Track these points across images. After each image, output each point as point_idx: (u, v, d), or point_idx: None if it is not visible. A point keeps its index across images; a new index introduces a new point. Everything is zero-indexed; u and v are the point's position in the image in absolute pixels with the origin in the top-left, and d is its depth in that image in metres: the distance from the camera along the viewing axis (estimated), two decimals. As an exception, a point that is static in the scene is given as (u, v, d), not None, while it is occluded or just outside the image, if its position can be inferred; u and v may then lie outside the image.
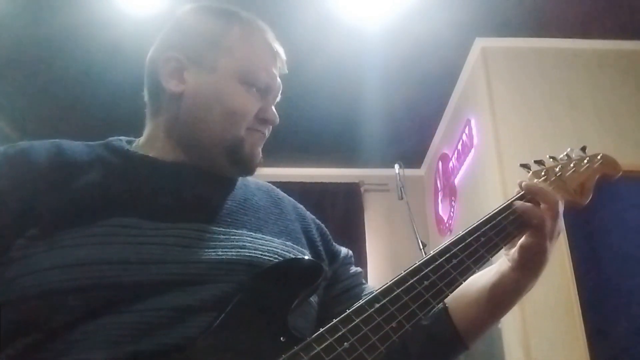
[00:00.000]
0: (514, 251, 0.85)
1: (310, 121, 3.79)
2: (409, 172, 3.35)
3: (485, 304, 0.86)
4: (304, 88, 3.43)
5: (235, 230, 0.78)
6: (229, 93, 0.82)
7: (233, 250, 0.74)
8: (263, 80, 0.85)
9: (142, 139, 0.88)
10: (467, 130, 3.38)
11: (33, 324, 0.63)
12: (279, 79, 0.89)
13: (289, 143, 3.99)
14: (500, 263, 0.88)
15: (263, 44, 0.88)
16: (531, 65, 3.15)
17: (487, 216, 0.86)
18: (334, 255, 0.94)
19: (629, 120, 3.01)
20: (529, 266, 0.85)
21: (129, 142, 0.86)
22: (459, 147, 3.53)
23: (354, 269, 0.96)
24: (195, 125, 0.83)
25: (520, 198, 0.88)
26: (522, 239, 0.85)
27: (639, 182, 2.76)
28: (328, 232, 0.98)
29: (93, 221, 0.69)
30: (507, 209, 0.86)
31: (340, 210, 4.25)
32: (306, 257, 0.82)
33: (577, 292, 2.61)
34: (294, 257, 0.80)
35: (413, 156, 4.27)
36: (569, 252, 2.69)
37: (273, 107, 0.89)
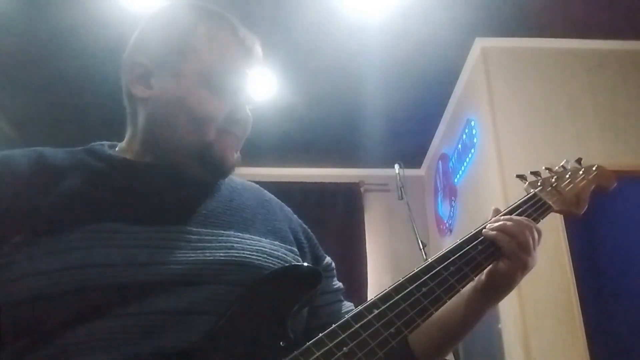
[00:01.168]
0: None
1: (310, 121, 3.79)
2: (409, 172, 3.34)
3: (443, 325, 0.85)
4: (304, 88, 3.44)
5: (222, 232, 0.77)
6: (193, 98, 0.80)
7: (221, 251, 0.74)
8: (231, 81, 0.82)
9: (122, 143, 0.87)
10: (467, 130, 3.38)
11: (24, 329, 0.63)
12: (252, 76, 0.86)
13: (289, 143, 4.00)
14: None
15: (231, 41, 0.84)
16: (531, 65, 3.15)
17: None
18: (317, 260, 0.94)
19: (629, 120, 3.01)
20: (494, 289, 0.85)
21: (112, 147, 0.86)
22: (459, 147, 3.53)
23: (336, 283, 0.96)
24: (163, 131, 0.81)
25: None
26: (492, 267, 0.84)
27: (639, 183, 2.76)
28: (314, 236, 0.97)
29: (76, 226, 0.69)
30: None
31: (340, 210, 4.26)
32: (305, 264, 0.82)
33: (577, 292, 2.61)
34: (292, 263, 0.80)
35: (413, 156, 4.27)
36: (569, 252, 2.69)
37: (247, 107, 0.86)
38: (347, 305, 0.93)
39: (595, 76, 3.12)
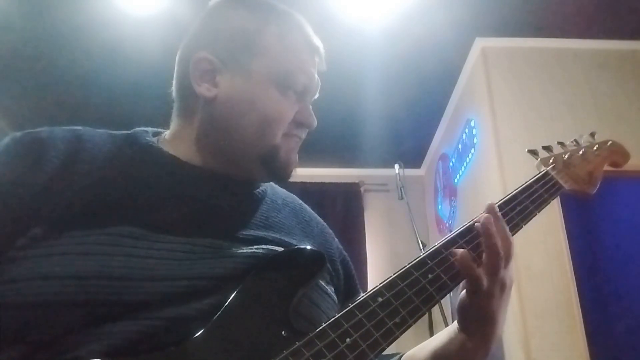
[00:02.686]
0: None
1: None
2: (409, 172, 3.35)
3: None
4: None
5: (252, 246, 0.73)
6: (264, 99, 0.77)
7: (247, 261, 0.70)
8: (300, 82, 0.80)
9: (168, 135, 0.83)
10: (467, 130, 3.38)
11: (29, 331, 0.59)
12: (317, 77, 0.84)
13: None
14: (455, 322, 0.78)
15: (301, 41, 0.82)
16: (531, 65, 3.15)
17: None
18: (351, 295, 0.87)
19: (629, 120, 3.00)
20: (473, 330, 0.75)
21: (156, 134, 0.82)
22: (459, 147, 3.53)
23: None
24: (228, 132, 0.78)
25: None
26: (459, 298, 0.73)
27: (639, 182, 2.76)
28: (352, 267, 0.92)
29: (101, 226, 0.65)
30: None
31: (340, 210, 4.25)
32: (308, 247, 0.78)
33: (577, 292, 2.61)
34: (295, 247, 0.77)
35: (413, 156, 4.27)
36: (569, 252, 2.69)
37: (310, 109, 0.83)
38: None
39: (595, 76, 3.12)
